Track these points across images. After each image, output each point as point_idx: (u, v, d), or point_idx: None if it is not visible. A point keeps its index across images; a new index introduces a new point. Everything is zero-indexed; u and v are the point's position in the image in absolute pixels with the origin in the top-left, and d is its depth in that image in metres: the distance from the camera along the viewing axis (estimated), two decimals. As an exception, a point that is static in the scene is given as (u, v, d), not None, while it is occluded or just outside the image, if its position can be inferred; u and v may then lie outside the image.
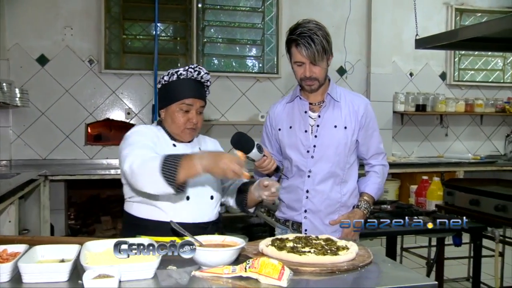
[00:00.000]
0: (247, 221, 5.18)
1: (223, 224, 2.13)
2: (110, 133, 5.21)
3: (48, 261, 1.52)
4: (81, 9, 4.99)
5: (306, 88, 2.24)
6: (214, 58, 5.53)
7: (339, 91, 2.32)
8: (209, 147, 2.14)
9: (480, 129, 6.28)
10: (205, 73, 1.99)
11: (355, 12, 5.58)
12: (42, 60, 4.90)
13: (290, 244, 1.72)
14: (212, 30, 5.54)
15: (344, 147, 2.26)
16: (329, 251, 1.64)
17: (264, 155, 2.05)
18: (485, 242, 3.24)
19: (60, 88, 4.95)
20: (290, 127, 2.33)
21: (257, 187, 1.99)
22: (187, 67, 1.96)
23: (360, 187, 2.36)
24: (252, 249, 1.71)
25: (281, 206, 2.43)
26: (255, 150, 2.01)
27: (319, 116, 2.28)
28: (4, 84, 4.22)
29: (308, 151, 2.27)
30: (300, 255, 1.59)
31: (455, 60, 6.18)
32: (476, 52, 6.20)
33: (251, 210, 2.14)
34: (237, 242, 1.63)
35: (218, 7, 5.50)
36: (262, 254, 1.64)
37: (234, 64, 5.61)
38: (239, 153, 1.87)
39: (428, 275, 3.70)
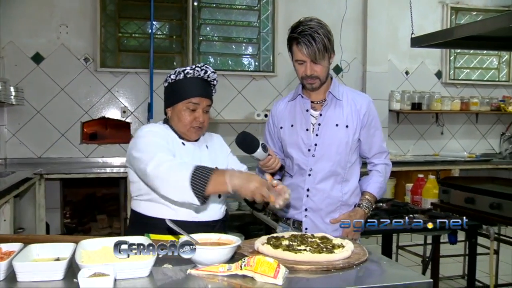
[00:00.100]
0: (243, 219, 5.18)
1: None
2: (105, 131, 5.21)
3: (43, 259, 1.51)
4: (76, 7, 4.97)
5: (307, 87, 2.23)
6: (210, 57, 5.52)
7: (342, 90, 2.31)
8: (216, 144, 2.16)
9: (476, 127, 6.30)
10: (212, 72, 1.99)
11: (351, 11, 5.58)
12: (37, 58, 4.88)
13: (285, 242, 1.72)
14: (208, 28, 5.53)
15: (345, 146, 2.25)
16: (324, 249, 1.64)
17: (269, 154, 2.06)
18: (480, 240, 3.26)
19: (56, 86, 4.93)
20: (292, 126, 2.32)
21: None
22: (194, 66, 1.96)
23: (362, 186, 2.36)
24: (247, 247, 1.71)
25: None
26: (260, 150, 2.01)
27: (320, 115, 2.27)
28: (-2, 82, 4.20)
29: (309, 150, 2.27)
30: (296, 253, 1.59)
31: (451, 58, 6.20)
32: (472, 51, 6.22)
33: (259, 207, 2.13)
34: (233, 240, 1.63)
35: (214, 5, 5.49)
36: (257, 252, 1.64)
37: (230, 62, 5.60)
38: (268, 176, 1.84)
39: (423, 273, 3.71)
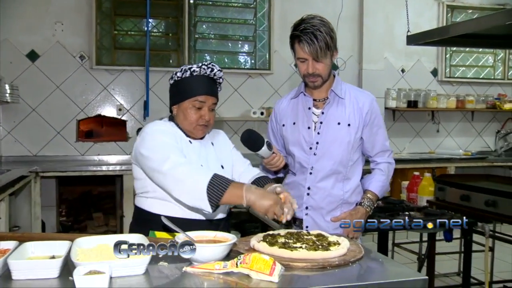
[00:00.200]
0: (239, 217, 5.18)
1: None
2: (101, 129, 5.19)
3: (38, 257, 1.51)
4: (71, 4, 4.95)
5: (309, 85, 2.23)
6: (206, 54, 5.51)
7: (344, 88, 2.29)
8: (221, 141, 2.16)
9: (471, 125, 6.32)
10: (218, 70, 2.00)
11: (347, 9, 5.58)
12: (32, 55, 4.86)
13: (281, 240, 1.72)
14: (204, 26, 5.52)
15: (347, 144, 2.24)
16: (320, 247, 1.64)
17: (273, 153, 2.06)
18: (476, 237, 3.27)
19: (51, 84, 4.91)
20: (294, 123, 2.31)
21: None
22: (200, 64, 1.96)
23: (364, 184, 2.35)
24: (243, 245, 1.71)
25: None
26: (264, 148, 2.02)
27: (322, 113, 2.26)
28: (-6, 80, 4.18)
29: (310, 148, 2.26)
30: (292, 250, 1.59)
31: (447, 56, 6.21)
32: (467, 49, 6.24)
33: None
34: (228, 237, 1.63)
35: (210, 3, 5.48)
36: (253, 249, 1.64)
37: (226, 60, 5.59)
38: (282, 196, 1.83)
39: (419, 270, 3.71)
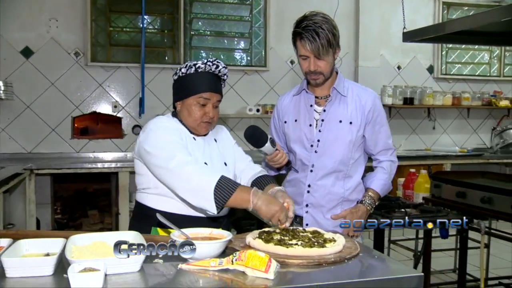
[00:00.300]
0: (235, 214, 5.18)
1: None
2: (97, 126, 5.17)
3: (32, 255, 1.50)
4: (66, 0, 4.92)
5: (311, 82, 2.21)
6: (201, 51, 5.49)
7: (347, 85, 2.27)
8: (223, 138, 2.16)
9: (467, 122, 6.33)
10: (223, 67, 1.99)
11: (343, 6, 5.57)
12: (27, 52, 4.82)
13: (277, 237, 1.72)
14: (199, 22, 5.50)
15: (348, 143, 2.22)
16: (316, 244, 1.65)
17: (276, 149, 2.05)
18: (471, 234, 3.27)
19: (46, 81, 4.88)
20: (296, 120, 2.30)
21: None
22: (205, 61, 1.95)
23: (366, 182, 2.34)
24: (239, 242, 1.70)
25: None
26: (268, 144, 2.01)
27: (324, 111, 2.24)
28: (-13, 76, 4.16)
29: (311, 146, 2.25)
30: (287, 247, 1.59)
31: (443, 53, 6.22)
32: (463, 46, 6.24)
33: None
34: (224, 235, 1.63)
35: (206, -1, 5.46)
36: (249, 247, 1.64)
37: (222, 57, 5.57)
38: (285, 205, 1.83)
39: (415, 267, 3.72)
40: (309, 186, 2.27)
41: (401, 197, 3.60)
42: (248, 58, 5.60)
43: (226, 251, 1.57)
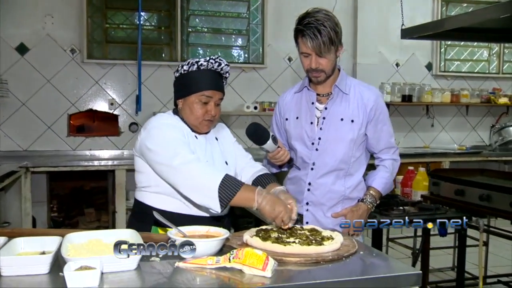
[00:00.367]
0: (233, 212, 5.16)
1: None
2: (93, 124, 5.15)
3: (28, 253, 1.49)
4: (62, -3, 4.89)
5: (313, 80, 2.19)
6: (199, 48, 5.47)
7: (349, 83, 2.25)
8: (224, 136, 2.15)
9: (466, 119, 6.32)
10: (226, 64, 1.98)
11: (341, 3, 5.55)
12: (22, 49, 4.79)
13: (274, 235, 1.72)
14: (197, 19, 5.48)
15: (350, 141, 2.20)
16: (313, 241, 1.64)
17: (278, 147, 2.05)
18: (470, 232, 3.26)
19: (41, 78, 4.85)
20: (297, 118, 2.28)
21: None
22: (208, 58, 1.94)
23: (368, 181, 2.32)
24: (236, 240, 1.70)
25: None
26: (270, 142, 2.01)
27: (325, 108, 2.22)
28: (-18, 73, 4.12)
29: (312, 143, 2.23)
30: (285, 245, 1.58)
31: (441, 50, 6.21)
32: (462, 43, 6.24)
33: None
34: (221, 232, 1.62)
35: (203, -4, 5.44)
36: (246, 244, 1.63)
37: (219, 54, 5.55)
38: (289, 206, 1.80)
39: (413, 265, 3.70)
40: (309, 184, 2.25)
41: (399, 195, 3.59)
42: (246, 55, 5.58)
43: (224, 249, 1.56)
